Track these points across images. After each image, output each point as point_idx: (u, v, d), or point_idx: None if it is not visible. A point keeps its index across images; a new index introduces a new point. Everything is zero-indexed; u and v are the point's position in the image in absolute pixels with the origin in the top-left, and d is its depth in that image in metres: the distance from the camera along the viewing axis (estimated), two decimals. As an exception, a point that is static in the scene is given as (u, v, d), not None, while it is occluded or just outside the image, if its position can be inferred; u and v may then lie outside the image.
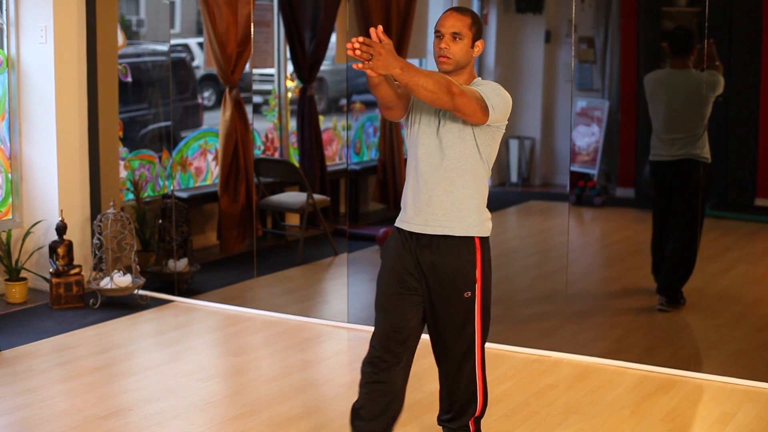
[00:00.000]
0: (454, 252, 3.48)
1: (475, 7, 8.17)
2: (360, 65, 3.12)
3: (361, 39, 3.08)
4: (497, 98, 3.39)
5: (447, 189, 3.47)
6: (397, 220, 3.60)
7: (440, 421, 3.73)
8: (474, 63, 3.55)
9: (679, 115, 5.61)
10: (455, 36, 3.43)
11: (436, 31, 3.47)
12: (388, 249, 3.61)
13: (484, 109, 3.34)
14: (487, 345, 5.22)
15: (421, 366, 4.87)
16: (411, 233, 3.52)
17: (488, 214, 3.56)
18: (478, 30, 3.49)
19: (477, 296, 3.51)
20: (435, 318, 3.56)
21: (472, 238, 3.49)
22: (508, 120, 3.51)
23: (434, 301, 3.53)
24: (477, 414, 3.64)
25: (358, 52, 3.09)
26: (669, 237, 5.67)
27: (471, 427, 3.64)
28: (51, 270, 5.92)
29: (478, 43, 3.49)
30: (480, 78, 3.54)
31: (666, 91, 5.66)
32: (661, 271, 5.71)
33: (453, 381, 3.61)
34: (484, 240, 3.52)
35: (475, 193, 3.49)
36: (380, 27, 3.19)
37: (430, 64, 8.34)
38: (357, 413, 3.63)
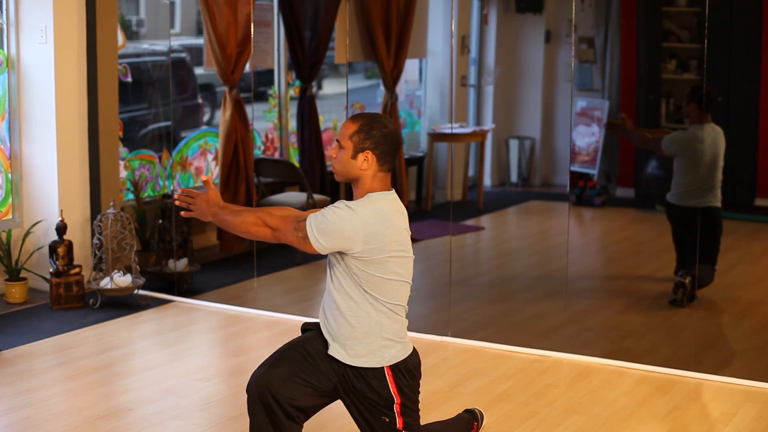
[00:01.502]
0: (363, 378, 3.28)
1: (475, 8, 8.18)
2: (184, 213, 3.39)
3: (186, 191, 3.37)
4: (325, 225, 3.15)
5: (336, 314, 3.29)
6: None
7: None
8: (371, 176, 3.24)
9: (702, 167, 5.76)
10: (340, 144, 3.25)
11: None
12: (309, 331, 3.44)
13: (303, 240, 3.18)
14: (488, 345, 5.24)
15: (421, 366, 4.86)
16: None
17: (385, 342, 3.27)
18: (363, 140, 3.20)
19: (397, 419, 3.30)
20: (355, 419, 3.37)
21: (378, 368, 3.27)
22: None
23: (355, 411, 3.34)
24: None
25: (177, 202, 3.39)
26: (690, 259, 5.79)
27: None
28: (51, 270, 5.92)
29: (365, 155, 3.20)
30: (369, 196, 3.25)
31: (693, 147, 5.79)
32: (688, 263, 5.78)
33: None
34: (396, 368, 3.28)
35: (363, 322, 3.24)
36: (209, 177, 3.36)
37: (431, 64, 8.34)
38: None
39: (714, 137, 5.69)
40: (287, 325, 5.65)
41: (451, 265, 5.81)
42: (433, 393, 4.51)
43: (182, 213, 3.40)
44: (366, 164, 3.21)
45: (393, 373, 3.28)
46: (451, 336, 5.35)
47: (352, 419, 3.40)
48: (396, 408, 3.28)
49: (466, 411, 3.90)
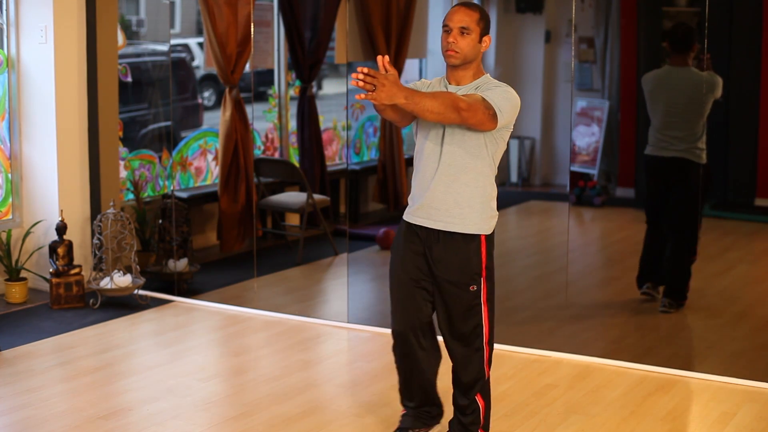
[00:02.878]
0: (458, 247, 3.57)
1: (475, 7, 8.17)
2: (363, 95, 3.21)
3: (366, 70, 3.15)
4: (505, 103, 3.45)
5: (450, 186, 3.55)
6: (405, 212, 3.70)
7: (453, 405, 3.86)
8: (481, 58, 3.61)
9: (678, 113, 5.60)
10: (463, 31, 3.51)
11: (444, 26, 3.54)
12: (397, 241, 3.73)
13: (493, 117, 3.41)
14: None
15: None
16: (416, 225, 3.63)
17: (493, 212, 3.62)
18: (486, 25, 3.55)
19: (482, 290, 3.61)
20: (444, 308, 3.68)
21: (477, 235, 3.57)
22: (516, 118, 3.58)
23: (442, 292, 3.64)
24: (482, 423, 3.78)
25: (361, 83, 3.17)
26: (667, 239, 5.68)
27: (479, 402, 3.76)
28: (51, 270, 5.92)
29: (486, 39, 3.55)
30: (488, 75, 3.60)
31: (665, 88, 5.62)
32: (663, 273, 5.70)
33: (461, 376, 3.74)
34: (489, 237, 3.61)
35: (479, 192, 3.56)
36: (386, 57, 3.31)
37: (431, 65, 8.34)
38: (401, 392, 3.94)
39: (692, 82, 5.44)
40: (287, 325, 5.65)
41: (451, 265, 5.81)
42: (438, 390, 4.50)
43: (364, 96, 3.22)
44: (485, 46, 3.56)
45: (486, 241, 3.60)
46: (451, 336, 5.34)
47: (433, 307, 3.72)
48: (483, 273, 3.60)
49: None
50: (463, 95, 3.44)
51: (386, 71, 3.29)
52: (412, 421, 3.95)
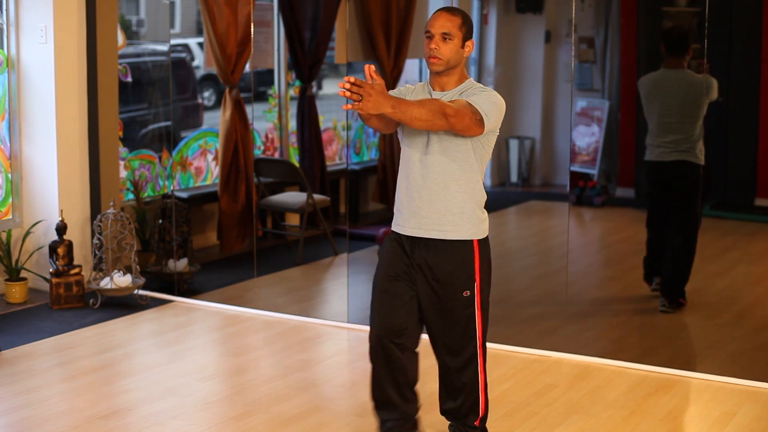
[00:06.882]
0: (451, 253, 3.54)
1: (475, 8, 8.17)
2: (350, 105, 3.17)
3: (352, 79, 3.13)
4: (491, 107, 3.43)
5: (440, 194, 3.52)
6: (393, 223, 3.65)
7: (443, 413, 3.79)
8: (465, 63, 3.58)
9: (675, 116, 5.59)
10: (445, 36, 3.46)
11: (426, 32, 3.49)
12: (384, 250, 3.67)
13: (479, 122, 3.39)
14: (488, 345, 5.22)
15: (420, 366, 4.86)
16: (406, 237, 3.59)
17: (484, 216, 3.60)
18: (468, 30, 3.52)
19: (476, 295, 3.57)
20: (435, 318, 3.61)
21: (470, 240, 3.54)
22: (503, 120, 3.57)
23: (433, 301, 3.58)
24: (481, 415, 3.70)
25: (347, 93, 3.15)
26: (667, 239, 5.67)
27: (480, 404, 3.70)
28: (51, 270, 5.92)
29: (469, 43, 3.52)
30: (472, 80, 3.58)
31: (661, 91, 5.62)
32: (662, 273, 5.70)
33: (454, 382, 3.66)
34: (482, 241, 3.58)
35: (470, 198, 3.54)
36: (372, 66, 3.27)
37: (430, 64, 8.34)
38: (374, 401, 3.78)
39: (688, 84, 5.48)
40: (287, 325, 5.65)
41: (451, 265, 5.81)
42: (433, 393, 4.50)
43: (350, 106, 3.19)
44: (468, 51, 3.53)
45: (479, 245, 3.57)
46: (451, 336, 5.34)
47: (425, 315, 3.63)
48: (476, 278, 3.56)
49: None
50: (449, 101, 3.42)
51: (373, 80, 3.26)
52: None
